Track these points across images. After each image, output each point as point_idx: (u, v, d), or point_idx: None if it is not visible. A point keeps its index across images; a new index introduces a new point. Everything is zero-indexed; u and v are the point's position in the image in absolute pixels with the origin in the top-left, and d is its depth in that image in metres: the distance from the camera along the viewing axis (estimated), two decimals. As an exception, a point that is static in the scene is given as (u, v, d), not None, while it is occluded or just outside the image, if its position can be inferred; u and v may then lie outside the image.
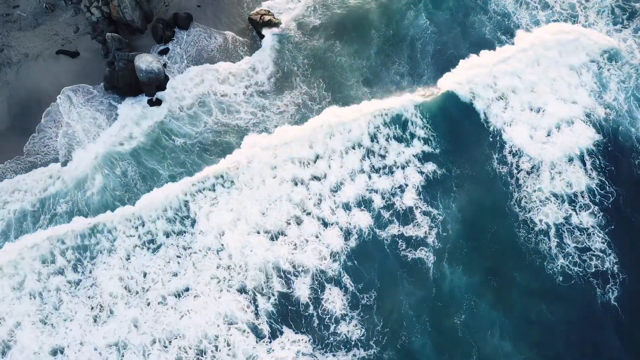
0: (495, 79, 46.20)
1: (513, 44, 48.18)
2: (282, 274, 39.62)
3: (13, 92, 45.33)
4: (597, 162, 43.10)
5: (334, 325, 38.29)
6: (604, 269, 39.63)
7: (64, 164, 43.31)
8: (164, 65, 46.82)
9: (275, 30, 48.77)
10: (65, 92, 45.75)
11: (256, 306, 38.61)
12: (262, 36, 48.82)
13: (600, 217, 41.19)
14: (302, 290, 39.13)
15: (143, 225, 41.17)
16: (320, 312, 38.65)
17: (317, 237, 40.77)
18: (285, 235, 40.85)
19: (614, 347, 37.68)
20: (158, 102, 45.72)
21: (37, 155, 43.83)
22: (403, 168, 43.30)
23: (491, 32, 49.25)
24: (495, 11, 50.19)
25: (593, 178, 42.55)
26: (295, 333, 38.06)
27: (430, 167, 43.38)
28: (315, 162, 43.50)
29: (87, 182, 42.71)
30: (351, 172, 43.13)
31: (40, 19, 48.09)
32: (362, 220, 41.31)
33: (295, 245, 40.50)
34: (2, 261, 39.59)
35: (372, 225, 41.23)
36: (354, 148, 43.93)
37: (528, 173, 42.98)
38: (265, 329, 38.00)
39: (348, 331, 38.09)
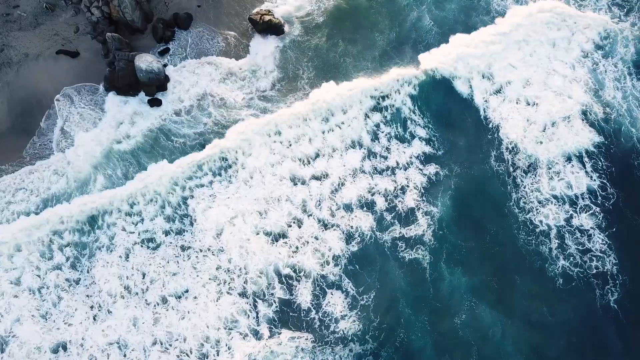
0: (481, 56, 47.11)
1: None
2: (283, 279, 39.50)
3: (13, 92, 45.33)
4: (598, 163, 43.02)
5: (334, 324, 38.28)
6: (604, 270, 39.51)
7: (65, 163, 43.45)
8: (164, 65, 46.76)
9: (275, 30, 48.71)
10: (65, 92, 45.75)
11: (256, 309, 38.55)
12: (264, 37, 48.69)
13: (600, 219, 41.05)
14: (303, 295, 39.05)
15: (142, 222, 41.20)
16: (321, 315, 38.64)
17: (316, 238, 40.69)
18: (285, 237, 40.75)
19: (614, 348, 37.65)
20: (158, 102, 45.67)
21: (39, 158, 43.86)
22: (388, 149, 43.62)
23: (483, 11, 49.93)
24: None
25: (594, 180, 42.43)
26: (294, 331, 38.06)
27: (420, 146, 43.68)
28: (309, 141, 43.96)
29: (90, 185, 42.84)
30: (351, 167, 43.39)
31: (40, 19, 48.06)
32: (364, 220, 41.35)
33: (296, 248, 40.33)
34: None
35: (373, 227, 41.23)
36: (353, 146, 43.97)
37: (525, 172, 42.93)
38: (266, 333, 37.96)
39: (347, 329, 38.07)
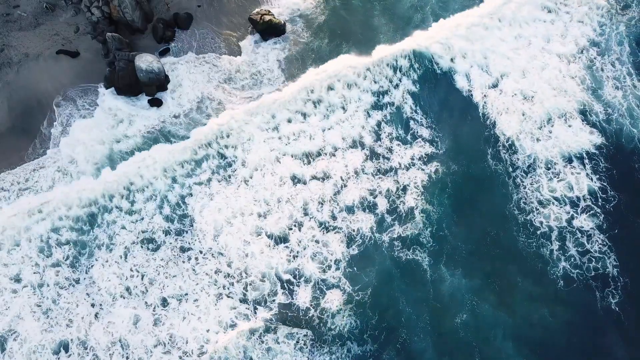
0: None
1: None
2: (284, 284, 39.32)
3: (13, 92, 45.32)
4: (599, 164, 42.82)
5: (331, 319, 38.13)
6: (606, 272, 39.31)
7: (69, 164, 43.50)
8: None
9: (276, 30, 48.61)
10: (65, 92, 45.73)
11: (256, 314, 38.33)
12: (264, 37, 48.61)
13: (601, 220, 40.85)
14: (303, 298, 38.86)
15: (142, 221, 41.16)
16: (319, 312, 38.46)
17: (317, 242, 40.50)
18: (286, 241, 40.55)
19: (615, 350, 37.47)
20: (158, 102, 45.62)
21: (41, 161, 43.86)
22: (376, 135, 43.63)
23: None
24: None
25: (594, 181, 42.21)
26: (292, 328, 38.00)
27: (420, 144, 43.54)
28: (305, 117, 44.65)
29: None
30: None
31: (40, 19, 48.06)
32: (365, 221, 41.23)
33: (297, 252, 40.13)
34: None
35: (373, 228, 41.10)
36: (354, 147, 43.87)
37: (526, 173, 42.75)
38: (268, 336, 37.91)
39: (343, 325, 37.99)
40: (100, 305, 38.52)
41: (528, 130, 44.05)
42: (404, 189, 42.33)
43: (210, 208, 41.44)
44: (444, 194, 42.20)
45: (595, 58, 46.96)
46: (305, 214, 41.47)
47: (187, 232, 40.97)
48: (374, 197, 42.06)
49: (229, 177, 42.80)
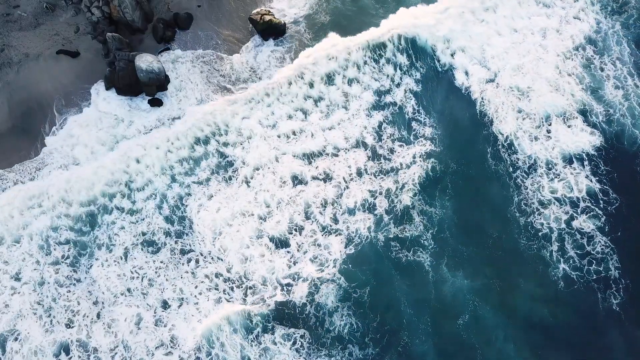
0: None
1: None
2: (284, 288, 39.20)
3: (14, 92, 45.24)
4: (599, 165, 42.73)
5: (329, 319, 38.02)
6: (607, 275, 39.23)
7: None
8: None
9: (276, 30, 48.50)
10: (65, 92, 45.66)
11: (256, 317, 38.23)
12: (264, 37, 48.50)
13: (603, 222, 40.76)
14: (299, 295, 38.76)
15: (143, 220, 41.11)
16: (314, 310, 38.31)
17: (319, 245, 40.36)
18: (287, 245, 40.38)
19: (617, 352, 37.41)
20: (159, 102, 45.53)
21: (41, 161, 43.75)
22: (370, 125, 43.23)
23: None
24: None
25: (595, 183, 42.10)
26: (289, 328, 37.90)
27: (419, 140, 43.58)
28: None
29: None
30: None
31: (40, 19, 47.94)
32: (364, 222, 41.13)
33: (297, 259, 39.97)
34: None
35: (372, 228, 41.01)
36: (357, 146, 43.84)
37: (527, 174, 42.66)
38: (265, 336, 37.82)
39: (343, 326, 37.92)
40: (103, 303, 38.50)
41: (526, 129, 43.90)
42: (404, 189, 42.18)
43: (210, 208, 41.34)
44: (444, 195, 42.12)
45: (592, 56, 46.80)
46: (307, 218, 41.31)
47: (187, 234, 40.84)
48: (374, 198, 41.96)
49: (230, 178, 42.65)
